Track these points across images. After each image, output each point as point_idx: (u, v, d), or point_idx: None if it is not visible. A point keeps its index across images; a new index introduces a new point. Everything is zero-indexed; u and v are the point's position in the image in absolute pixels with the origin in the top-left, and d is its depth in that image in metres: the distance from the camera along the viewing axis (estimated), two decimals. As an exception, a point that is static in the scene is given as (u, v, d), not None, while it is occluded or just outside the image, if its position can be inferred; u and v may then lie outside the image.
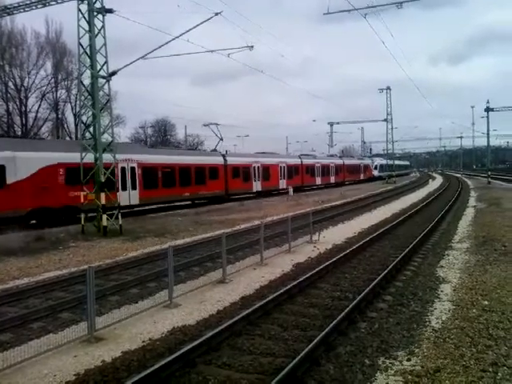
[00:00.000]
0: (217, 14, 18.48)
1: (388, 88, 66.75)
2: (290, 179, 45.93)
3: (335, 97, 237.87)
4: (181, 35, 18.68)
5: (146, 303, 8.71)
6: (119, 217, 18.63)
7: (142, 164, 26.77)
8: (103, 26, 18.26)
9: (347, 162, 66.55)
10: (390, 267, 10.58)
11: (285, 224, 14.62)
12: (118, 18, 18.07)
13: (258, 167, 40.66)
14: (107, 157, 19.12)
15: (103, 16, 18.23)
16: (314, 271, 10.41)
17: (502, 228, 16.94)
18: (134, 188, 25.95)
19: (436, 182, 65.32)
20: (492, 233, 15.94)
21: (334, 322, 6.91)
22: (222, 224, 20.28)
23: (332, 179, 58.32)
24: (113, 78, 18.87)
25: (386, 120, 67.66)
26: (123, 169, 25.12)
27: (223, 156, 36.78)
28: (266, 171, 42.17)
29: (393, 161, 75.28)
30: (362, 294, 8.41)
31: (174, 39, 18.72)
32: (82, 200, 18.47)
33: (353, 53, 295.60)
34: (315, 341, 6.19)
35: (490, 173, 57.78)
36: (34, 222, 20.65)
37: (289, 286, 9.13)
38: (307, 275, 10.02)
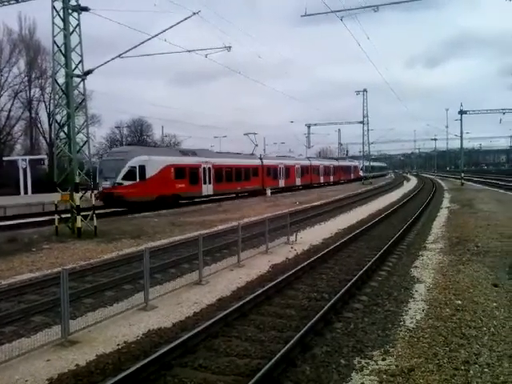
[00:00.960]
0: (195, 13, 18.41)
1: (364, 90, 67.73)
2: (302, 178, 55.53)
3: (313, 98, 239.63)
4: (158, 34, 18.55)
5: (121, 306, 8.60)
6: (94, 218, 18.36)
7: (214, 165, 35.63)
8: (78, 24, 17.97)
9: (342, 163, 76.18)
10: (365, 267, 10.70)
11: (262, 225, 14.65)
12: (96, 16, 17.82)
13: (282, 168, 49.60)
14: (195, 159, 31.07)
15: (78, 14, 17.92)
16: (291, 272, 10.45)
17: (475, 229, 17.31)
18: (210, 182, 35.13)
19: (411, 184, 66.36)
20: (465, 233, 16.27)
21: (310, 323, 6.95)
22: (200, 225, 20.20)
23: (331, 178, 67.54)
24: (88, 77, 18.58)
25: (362, 122, 68.52)
26: (204, 169, 34.32)
27: (260, 159, 46.00)
28: (288, 171, 51.20)
29: (369, 162, 77.12)
30: (338, 295, 8.49)
31: (150, 38, 18.56)
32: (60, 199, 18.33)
33: (330, 55, 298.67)
34: (291, 342, 6.21)
35: (463, 174, 58.99)
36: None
37: (266, 287, 9.14)
38: (284, 276, 10.05)
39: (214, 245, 14.33)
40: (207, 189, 34.88)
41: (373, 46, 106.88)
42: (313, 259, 11.94)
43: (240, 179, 39.99)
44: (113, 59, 19.06)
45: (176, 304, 8.78)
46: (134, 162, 27.99)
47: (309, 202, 32.35)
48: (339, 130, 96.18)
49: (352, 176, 79.84)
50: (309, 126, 78.26)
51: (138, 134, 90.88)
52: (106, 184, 27.50)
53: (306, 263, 11.44)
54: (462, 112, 53.56)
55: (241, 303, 8.09)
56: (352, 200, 34.52)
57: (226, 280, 10.55)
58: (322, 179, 62.95)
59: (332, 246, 13.79)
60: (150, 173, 28.59)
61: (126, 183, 27.43)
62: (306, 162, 59.64)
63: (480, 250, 13.14)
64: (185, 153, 34.80)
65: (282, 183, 49.40)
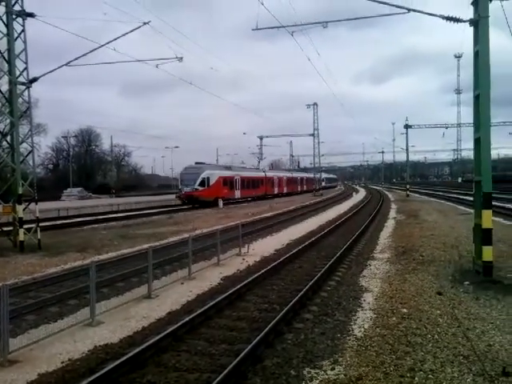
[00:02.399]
0: (145, 23, 18.24)
1: (315, 104, 69.18)
2: (288, 187, 71.59)
3: (266, 111, 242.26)
4: (107, 43, 18.23)
5: (66, 322, 8.27)
6: (38, 231, 17.65)
7: (241, 177, 52.35)
8: (23, 30, 17.39)
9: (308, 175, 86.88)
10: (316, 278, 10.83)
11: (214, 237, 14.55)
12: (48, 24, 17.33)
13: (276, 178, 65.74)
14: (231, 172, 47.28)
15: (23, 20, 17.37)
16: (243, 284, 10.41)
17: (420, 239, 17.93)
18: (238, 189, 51.15)
19: (360, 195, 68.09)
20: (411, 243, 16.81)
21: (260, 335, 6.93)
22: (150, 237, 19.82)
23: (304, 188, 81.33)
24: (35, 85, 18.02)
25: (313, 135, 69.86)
26: (236, 179, 50.49)
27: (264, 171, 64.94)
28: (280, 181, 67.95)
29: (320, 174, 79.38)
30: (288, 306, 8.52)
31: (99, 47, 18.23)
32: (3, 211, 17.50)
33: (283, 69, 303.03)
34: (242, 354, 6.17)
35: (408, 186, 61.15)
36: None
37: (217, 300, 9.05)
38: (235, 288, 10.00)
39: (165, 257, 14.07)
40: (237, 194, 51.08)
41: (322, 61, 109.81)
42: (264, 270, 11.96)
43: (254, 187, 56.40)
44: (59, 67, 18.58)
45: (124, 319, 8.54)
46: (204, 174, 43.38)
47: (261, 214, 32.51)
48: (291, 142, 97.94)
49: (316, 186, 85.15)
50: (261, 138, 79.19)
51: (85, 144, 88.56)
52: (188, 189, 42.47)
53: (257, 274, 11.44)
54: (407, 126, 55.75)
55: (191, 317, 7.97)
56: (303, 211, 34.98)
57: (176, 293, 10.38)
58: (298, 188, 78.53)
59: (283, 257, 13.88)
60: (211, 182, 43.80)
61: (200, 188, 42.32)
62: (290, 174, 78.27)
63: (425, 260, 13.60)
64: (226, 168, 52.77)
65: (276, 191, 65.49)
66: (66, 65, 18.52)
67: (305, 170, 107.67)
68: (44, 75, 18.30)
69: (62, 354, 6.83)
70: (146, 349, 6.54)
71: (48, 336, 7.35)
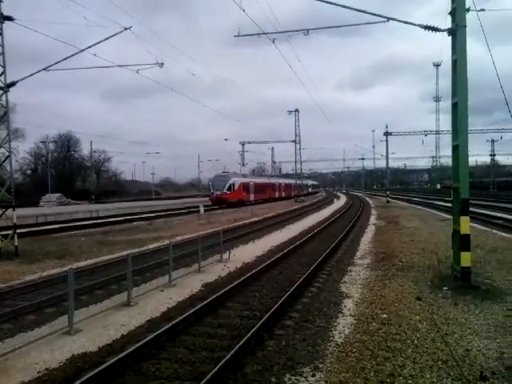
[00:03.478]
0: (126, 28, 18.13)
1: (296, 110, 69.48)
2: (285, 192, 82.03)
3: (247, 117, 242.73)
4: (86, 48, 18.07)
5: (43, 330, 8.12)
6: (15, 237, 17.31)
7: (254, 183, 63.69)
8: (1, 34, 17.14)
9: (299, 182, 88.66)
10: (297, 284, 10.84)
11: (195, 243, 14.47)
12: (27, 28, 17.09)
13: (277, 185, 76.64)
14: (248, 180, 59.78)
15: (1, 23, 17.10)
16: (224, 291, 10.37)
17: (400, 244, 18.10)
18: (253, 193, 62.18)
19: (341, 201, 68.53)
20: (390, 249, 16.97)
21: (241, 342, 6.90)
22: (130, 244, 19.61)
23: (295, 193, 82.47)
24: (14, 89, 17.70)
25: (294, 141, 70.16)
26: (251, 185, 61.02)
27: (269, 179, 77.03)
28: (283, 187, 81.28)
29: (301, 180, 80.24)
30: (269, 312, 8.50)
31: (78, 52, 18.04)
32: None
33: (265, 76, 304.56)
34: (222, 362, 6.13)
35: (388, 192, 61.83)
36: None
37: (197, 307, 8.99)
38: (216, 295, 9.95)
39: (145, 264, 13.94)
40: (252, 197, 62.09)
41: (304, 68, 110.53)
42: (245, 277, 11.93)
43: (263, 192, 68.17)
44: (38, 72, 18.33)
45: (103, 327, 8.42)
46: (231, 181, 55.16)
47: (243, 220, 32.47)
48: (273, 148, 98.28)
49: (305, 191, 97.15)
50: (243, 144, 78.97)
51: (64, 150, 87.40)
52: (218, 192, 53.80)
53: (238, 281, 11.41)
54: (387, 133, 56.45)
55: (171, 324, 7.89)
56: (285, 217, 35.05)
57: (156, 301, 10.27)
58: (292, 193, 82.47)
59: (265, 264, 13.86)
60: (235, 187, 55.58)
61: (228, 192, 53.94)
62: (286, 181, 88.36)
63: (404, 265, 13.73)
64: (244, 175, 65.34)
65: (277, 195, 76.20)
66: (44, 69, 18.30)
67: (292, 176, 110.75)
68: (22, 79, 18.03)
69: (39, 364, 6.70)
70: (125, 357, 6.45)
71: (24, 345, 7.20)
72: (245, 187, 59.18)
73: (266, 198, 68.37)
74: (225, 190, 53.80)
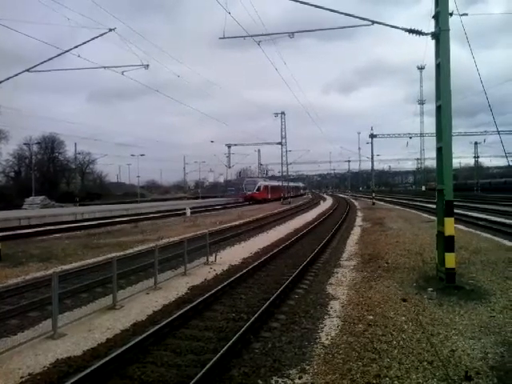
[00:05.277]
0: (111, 29, 18.01)
1: (282, 113, 69.66)
2: (288, 193, 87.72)
3: (234, 119, 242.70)
4: (70, 50, 17.91)
5: (26, 334, 8.01)
6: (-2, 240, 17.08)
7: (270, 185, 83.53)
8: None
9: (295, 184, 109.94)
10: (283, 286, 10.84)
11: (181, 246, 14.39)
12: (10, 29, 16.88)
13: (283, 186, 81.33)
14: (266, 182, 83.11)
15: (-17, 24, 16.93)
16: (210, 293, 10.32)
17: (385, 246, 18.21)
18: (269, 193, 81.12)
19: (327, 203, 68.86)
20: (376, 251, 17.06)
21: (227, 345, 6.87)
22: (115, 247, 19.44)
23: (292, 194, 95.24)
24: (-5, 90, 17.55)
25: (280, 143, 70.30)
26: (268, 187, 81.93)
27: (278, 180, 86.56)
28: (289, 188, 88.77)
29: (287, 182, 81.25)
30: (256, 315, 8.49)
31: (62, 54, 17.91)
32: None
33: (252, 78, 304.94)
34: (208, 365, 6.09)
35: (374, 194, 62.24)
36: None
37: (183, 310, 8.93)
38: (203, 298, 9.90)
39: (130, 267, 13.81)
40: (269, 196, 76.94)
41: (290, 71, 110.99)
42: (232, 279, 11.90)
43: (275, 192, 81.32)
44: (20, 73, 18.13)
45: (87, 330, 8.31)
46: (258, 184, 77.03)
47: (229, 222, 32.40)
48: (259, 150, 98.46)
49: (300, 192, 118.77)
50: (229, 146, 79.00)
51: (48, 151, 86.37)
52: (249, 192, 74.95)
53: (225, 284, 11.37)
54: (372, 136, 56.85)
55: (157, 327, 7.82)
56: (272, 219, 35.08)
57: (141, 304, 10.18)
58: (292, 194, 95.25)
59: (251, 266, 13.85)
60: (261, 188, 76.31)
61: (256, 192, 74.84)
62: (291, 184, 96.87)
63: (390, 267, 13.81)
64: (264, 179, 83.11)
65: (282, 195, 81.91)
66: (27, 70, 18.10)
67: (278, 178, 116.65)
68: (5, 80, 17.80)
69: (22, 369, 6.59)
70: (110, 361, 6.39)
71: (7, 350, 7.08)
72: (265, 188, 78.65)
73: (279, 197, 79.31)
74: (254, 191, 75.97)
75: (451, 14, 11.17)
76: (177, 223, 33.00)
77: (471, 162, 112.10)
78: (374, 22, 12.13)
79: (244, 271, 12.99)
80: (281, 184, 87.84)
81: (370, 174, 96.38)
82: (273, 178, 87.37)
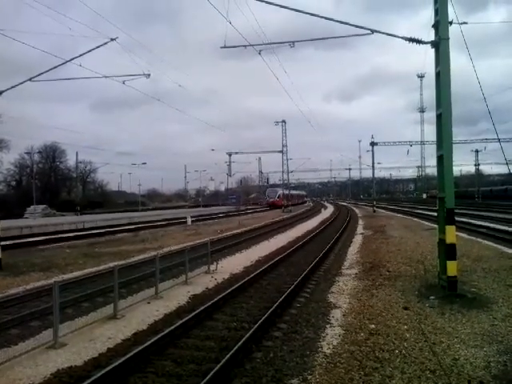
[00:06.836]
0: (113, 39, 18.11)
1: (283, 121, 69.83)
2: (298, 200, 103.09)
3: (235, 128, 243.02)
4: (72, 59, 18.02)
5: (27, 344, 7.98)
6: (-1, 250, 17.07)
7: (283, 193, 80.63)
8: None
9: (302, 193, 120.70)
10: (285, 295, 10.80)
11: (182, 255, 14.37)
12: (13, 39, 17.03)
13: (298, 194, 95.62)
14: (284, 191, 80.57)
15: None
16: (211, 302, 10.29)
17: (387, 254, 18.17)
18: (286, 200, 76.80)
19: (328, 211, 68.80)
20: (378, 259, 17.02)
21: (229, 354, 6.83)
22: (116, 256, 19.43)
23: (300, 201, 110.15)
24: (-1, 100, 17.63)
25: (281, 151, 70.45)
26: (286, 194, 79.44)
27: (295, 189, 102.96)
28: (300, 196, 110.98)
29: (289, 190, 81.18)
30: (257, 324, 8.46)
31: (64, 63, 18.01)
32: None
33: (253, 87, 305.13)
34: (209, 375, 6.06)
35: (375, 202, 62.24)
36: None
37: (184, 319, 8.91)
38: (204, 307, 9.87)
39: (131, 276, 13.80)
40: (286, 202, 75.43)
41: (291, 80, 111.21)
42: (233, 288, 11.86)
43: (291, 199, 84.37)
44: (23, 82, 18.21)
45: (89, 340, 8.29)
46: (279, 192, 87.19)
47: (230, 230, 32.38)
48: (260, 158, 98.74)
49: (304, 199, 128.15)
50: (230, 155, 78.96)
51: (50, 160, 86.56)
52: (271, 199, 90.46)
53: (226, 293, 11.34)
54: (373, 144, 57.00)
55: (158, 337, 7.80)
56: (273, 227, 35.05)
57: (142, 313, 10.15)
58: (299, 201, 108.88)
59: (252, 274, 13.81)
60: (281, 196, 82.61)
61: (277, 199, 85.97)
62: (299, 192, 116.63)
63: (391, 275, 13.77)
64: (282, 187, 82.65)
65: (295, 202, 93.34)
66: (29, 80, 18.20)
67: (272, 185, 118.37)
68: (8, 90, 17.90)
69: (23, 380, 6.56)
70: (111, 371, 6.35)
71: (8, 360, 7.05)
72: (284, 196, 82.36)
73: (294, 203, 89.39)
74: (276, 198, 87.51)
75: (451, 23, 11.23)
76: (178, 232, 32.99)
77: (472, 169, 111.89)
78: (373, 31, 12.20)
79: (245, 280, 12.96)
80: (295, 192, 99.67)
81: (370, 182, 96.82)
82: (285, 186, 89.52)
